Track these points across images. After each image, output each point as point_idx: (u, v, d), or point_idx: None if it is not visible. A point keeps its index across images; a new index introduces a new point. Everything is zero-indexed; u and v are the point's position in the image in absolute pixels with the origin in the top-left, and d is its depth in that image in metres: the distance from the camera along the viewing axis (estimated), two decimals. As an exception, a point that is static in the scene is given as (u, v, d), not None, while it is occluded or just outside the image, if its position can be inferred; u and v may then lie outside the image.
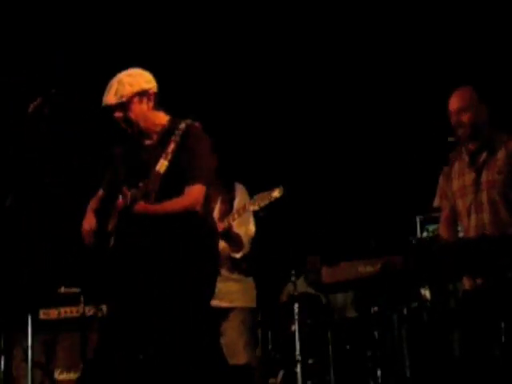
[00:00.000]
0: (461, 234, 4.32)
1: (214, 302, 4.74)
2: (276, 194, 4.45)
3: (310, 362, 5.89)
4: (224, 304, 4.75)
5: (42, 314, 6.04)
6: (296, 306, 5.71)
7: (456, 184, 4.22)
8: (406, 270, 3.70)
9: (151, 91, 3.93)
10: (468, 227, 4.12)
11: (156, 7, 6.76)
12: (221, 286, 4.76)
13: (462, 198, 4.17)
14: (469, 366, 3.95)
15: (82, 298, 5.86)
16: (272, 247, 6.78)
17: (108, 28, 6.48)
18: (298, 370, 5.65)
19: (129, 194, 3.64)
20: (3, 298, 5.93)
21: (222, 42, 7.00)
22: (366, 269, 3.81)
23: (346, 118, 7.30)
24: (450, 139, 4.20)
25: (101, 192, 4.16)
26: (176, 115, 4.03)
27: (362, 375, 5.81)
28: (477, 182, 4.10)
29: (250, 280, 4.93)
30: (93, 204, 4.13)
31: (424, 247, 3.76)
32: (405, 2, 6.65)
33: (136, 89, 3.88)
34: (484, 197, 4.06)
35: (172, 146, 3.81)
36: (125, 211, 3.67)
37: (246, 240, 4.83)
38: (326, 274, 3.98)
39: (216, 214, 4.83)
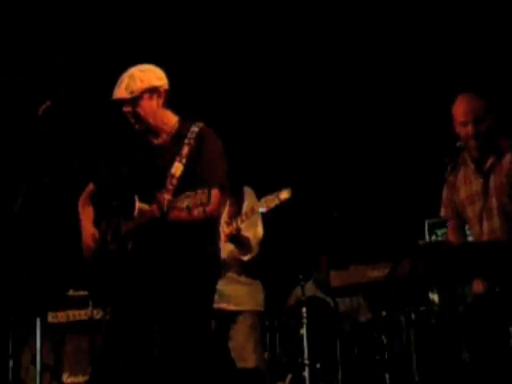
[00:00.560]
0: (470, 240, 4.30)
1: (222, 305, 4.76)
2: (284, 195, 4.43)
3: (318, 365, 5.88)
4: (232, 307, 4.75)
5: (50, 317, 6.05)
6: (304, 309, 5.71)
7: (463, 192, 4.18)
8: (415, 274, 3.70)
9: (162, 88, 3.91)
10: (481, 234, 4.09)
11: (158, 8, 6.77)
12: (229, 289, 4.78)
13: (471, 206, 4.14)
14: (477, 370, 3.94)
15: (90, 301, 5.87)
16: (280, 250, 6.78)
17: (108, 28, 6.48)
18: (306, 373, 5.65)
19: (166, 200, 3.57)
20: (12, 302, 5.94)
21: (230, 44, 6.99)
22: (374, 273, 3.81)
23: (356, 121, 7.30)
24: (459, 144, 4.18)
25: (91, 187, 4.09)
26: (184, 117, 4.03)
27: (370, 379, 5.80)
28: (485, 188, 4.07)
29: (258, 283, 4.93)
30: (84, 201, 4.06)
31: (432, 251, 3.76)
32: (407, 2, 6.64)
33: (146, 85, 3.86)
34: (493, 202, 4.03)
35: (186, 149, 3.80)
36: (161, 217, 3.61)
37: (254, 243, 4.83)
38: (335, 278, 3.97)
39: (225, 216, 4.83)
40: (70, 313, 6.05)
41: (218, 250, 4.00)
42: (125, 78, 3.87)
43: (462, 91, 4.22)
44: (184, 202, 3.46)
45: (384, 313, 5.67)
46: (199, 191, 3.44)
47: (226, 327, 4.76)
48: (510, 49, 6.34)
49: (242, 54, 7.07)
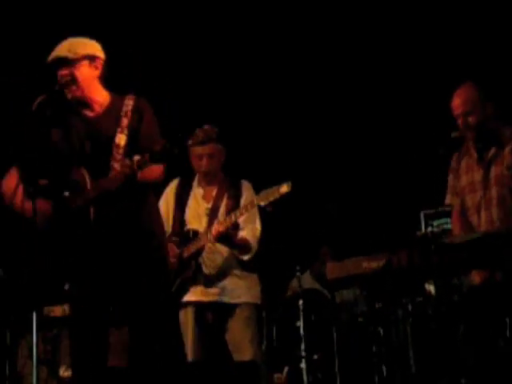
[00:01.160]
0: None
1: (219, 298, 4.75)
2: (284, 189, 4.39)
3: (315, 357, 5.89)
4: (229, 300, 4.74)
5: (46, 311, 6.04)
6: (301, 301, 5.71)
7: (465, 180, 4.19)
8: (411, 265, 3.70)
9: (100, 60, 3.93)
10: (478, 224, 4.10)
11: (161, 9, 6.77)
12: (225, 282, 4.77)
13: (470, 194, 4.14)
14: (474, 360, 3.95)
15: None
16: (277, 243, 6.78)
17: (109, 28, 6.47)
18: (303, 365, 5.66)
19: (135, 160, 3.62)
20: (8, 296, 5.94)
21: (229, 41, 6.99)
22: (370, 264, 3.81)
23: (351, 113, 7.30)
24: (454, 134, 4.18)
25: (15, 170, 3.94)
26: (116, 92, 4.03)
27: (367, 371, 5.82)
28: (485, 178, 4.08)
29: (255, 276, 4.92)
30: (13, 181, 3.89)
31: (429, 242, 3.76)
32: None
33: (89, 51, 3.88)
34: (493, 193, 4.03)
35: (125, 121, 3.84)
36: (130, 179, 3.67)
37: (253, 241, 4.79)
38: (331, 270, 3.97)
39: (223, 209, 4.82)
40: (67, 307, 6.04)
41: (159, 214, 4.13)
42: (65, 42, 3.88)
43: (457, 81, 4.22)
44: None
45: (379, 304, 5.68)
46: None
47: (223, 320, 4.76)
48: (509, 39, 6.34)
49: (241, 49, 7.07)
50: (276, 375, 6.04)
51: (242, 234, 4.79)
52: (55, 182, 3.85)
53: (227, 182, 4.94)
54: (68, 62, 3.84)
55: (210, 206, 4.86)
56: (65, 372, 5.92)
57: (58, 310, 6.03)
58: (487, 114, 4.08)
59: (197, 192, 4.93)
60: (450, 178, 4.31)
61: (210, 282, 4.74)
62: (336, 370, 5.72)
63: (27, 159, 3.92)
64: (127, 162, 3.66)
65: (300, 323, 5.69)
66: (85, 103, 3.92)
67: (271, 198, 4.42)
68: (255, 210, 4.72)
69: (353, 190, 7.34)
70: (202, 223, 4.82)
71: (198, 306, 4.76)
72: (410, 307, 5.15)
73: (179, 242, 4.77)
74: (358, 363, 5.94)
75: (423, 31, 6.71)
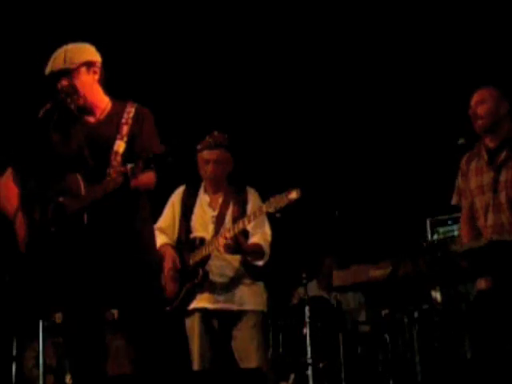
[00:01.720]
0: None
1: (225, 306, 4.75)
2: (294, 195, 4.37)
3: (321, 365, 5.88)
4: (235, 307, 4.74)
5: (53, 318, 6.05)
6: (307, 309, 5.71)
7: (474, 182, 4.17)
8: (417, 273, 3.69)
9: (98, 65, 3.92)
10: (485, 226, 4.09)
11: (163, 10, 6.78)
12: (232, 289, 4.77)
13: (479, 197, 4.13)
14: (480, 368, 3.94)
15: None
16: (283, 250, 6.78)
17: (109, 29, 6.49)
18: (309, 373, 5.64)
19: (128, 167, 3.62)
20: (14, 304, 5.94)
21: (235, 46, 7.00)
22: (376, 272, 3.81)
23: (358, 121, 7.30)
24: (461, 142, 4.18)
25: (10, 172, 3.95)
26: (117, 97, 4.02)
27: (374, 379, 5.81)
28: (495, 182, 4.06)
29: (261, 284, 4.92)
30: (11, 182, 3.93)
31: (435, 249, 3.75)
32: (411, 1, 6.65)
33: (85, 58, 3.86)
34: (503, 197, 4.02)
35: (126, 129, 3.83)
36: (125, 185, 3.66)
37: (265, 246, 4.79)
38: (337, 278, 3.97)
39: (229, 217, 4.82)
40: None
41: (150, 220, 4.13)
42: (61, 52, 3.86)
43: (465, 86, 4.23)
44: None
45: (384, 312, 5.67)
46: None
47: (230, 327, 4.76)
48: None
49: (249, 55, 7.08)
50: (282, 383, 6.03)
51: (253, 239, 4.79)
52: (50, 187, 3.85)
53: (233, 190, 4.94)
54: (66, 74, 3.83)
55: (216, 213, 4.86)
56: (71, 379, 5.92)
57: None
58: (500, 109, 4.08)
59: (203, 199, 4.93)
60: (459, 178, 4.30)
61: (216, 289, 4.74)
62: (342, 377, 5.71)
63: (25, 163, 3.94)
64: (121, 169, 3.66)
65: (306, 331, 5.68)
66: (87, 110, 3.92)
67: (280, 205, 4.40)
68: (264, 216, 4.71)
69: (358, 198, 7.34)
70: (208, 231, 4.82)
71: (205, 313, 4.76)
72: (416, 315, 5.14)
73: (186, 250, 4.79)
74: (365, 371, 5.93)
75: (431, 32, 6.69)
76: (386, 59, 7.00)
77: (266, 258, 4.81)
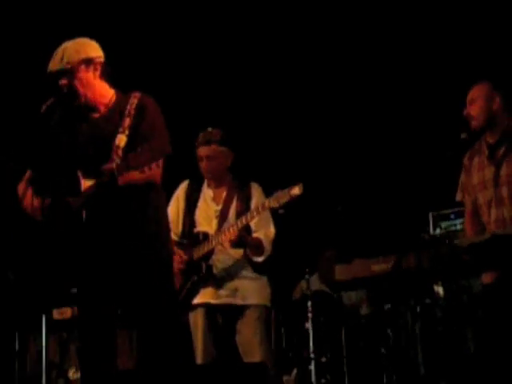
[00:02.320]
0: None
1: (229, 300, 4.76)
2: (296, 191, 4.37)
3: (324, 359, 5.89)
4: (239, 302, 4.75)
5: (55, 314, 6.06)
6: (309, 303, 5.71)
7: (476, 178, 4.18)
8: (419, 267, 3.70)
9: (98, 60, 3.87)
10: (489, 222, 4.09)
11: (164, 10, 6.78)
12: (236, 284, 4.78)
13: (482, 192, 4.13)
14: (483, 362, 3.94)
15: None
16: (286, 244, 6.78)
17: (110, 29, 6.48)
18: (312, 367, 5.65)
19: (115, 164, 3.58)
20: (17, 299, 5.95)
21: (237, 41, 7.00)
22: (378, 266, 3.82)
23: (361, 115, 7.29)
24: (463, 136, 4.18)
25: (28, 173, 3.93)
26: (122, 90, 3.98)
27: (376, 373, 5.81)
28: (496, 176, 4.07)
29: (264, 278, 4.93)
30: (25, 188, 3.89)
31: (437, 243, 3.76)
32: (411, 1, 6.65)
33: (83, 56, 3.82)
34: (504, 191, 4.02)
35: (128, 121, 3.77)
36: (112, 181, 3.62)
37: (267, 244, 4.79)
38: (339, 272, 3.98)
39: (232, 211, 4.82)
40: (76, 309, 6.06)
41: (164, 216, 4.03)
42: (59, 51, 3.84)
43: (465, 82, 4.23)
44: None
45: (387, 306, 5.67)
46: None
47: (233, 322, 4.76)
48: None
49: (251, 50, 7.07)
50: (285, 377, 6.03)
51: (256, 236, 4.79)
52: (56, 184, 3.85)
53: (236, 184, 4.94)
54: (64, 74, 3.81)
55: (219, 208, 4.86)
56: (74, 374, 5.93)
57: (67, 313, 6.05)
58: (492, 106, 4.08)
59: (206, 194, 4.94)
60: (462, 175, 4.30)
61: (220, 283, 4.74)
62: (345, 371, 5.72)
63: (35, 161, 3.94)
64: (108, 166, 3.60)
65: (309, 325, 5.68)
66: (90, 107, 3.90)
67: (283, 200, 4.40)
68: (268, 213, 4.71)
69: (360, 192, 7.33)
70: (211, 225, 4.82)
71: (209, 307, 4.76)
72: (418, 309, 5.15)
73: (189, 244, 4.79)
74: (367, 365, 5.93)
75: (431, 32, 6.70)
76: (389, 52, 6.99)
77: (266, 254, 4.81)
